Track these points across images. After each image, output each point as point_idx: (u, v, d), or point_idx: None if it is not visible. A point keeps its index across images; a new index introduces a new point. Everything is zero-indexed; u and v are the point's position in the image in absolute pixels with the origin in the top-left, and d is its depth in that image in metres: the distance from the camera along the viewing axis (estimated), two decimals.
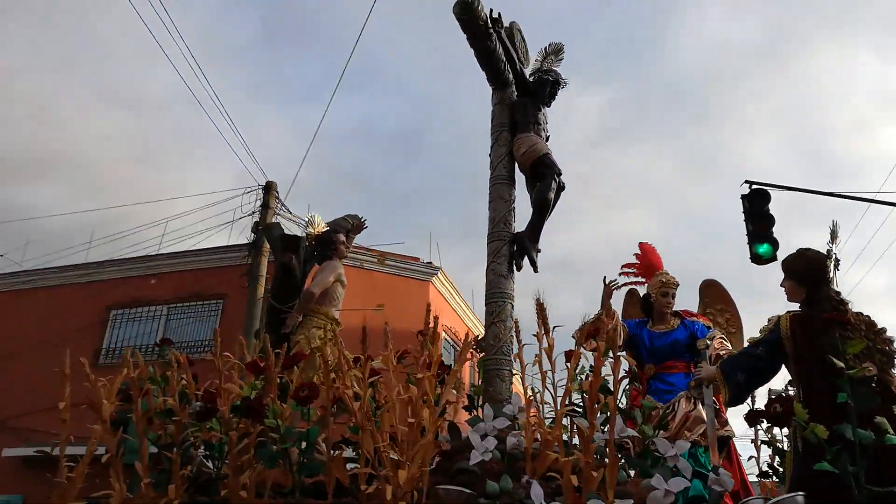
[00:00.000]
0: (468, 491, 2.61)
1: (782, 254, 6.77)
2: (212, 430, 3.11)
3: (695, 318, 3.99)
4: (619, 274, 4.28)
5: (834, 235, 2.95)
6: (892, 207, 8.97)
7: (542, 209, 4.03)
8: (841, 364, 2.48)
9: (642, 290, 4.33)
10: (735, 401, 2.92)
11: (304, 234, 4.44)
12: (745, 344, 3.92)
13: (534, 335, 3.45)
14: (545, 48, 4.47)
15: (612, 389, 2.89)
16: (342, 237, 4.59)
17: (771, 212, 7.70)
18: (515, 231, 4.01)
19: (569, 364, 3.37)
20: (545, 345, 3.31)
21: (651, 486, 2.50)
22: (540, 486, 2.58)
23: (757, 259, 7.44)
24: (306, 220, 4.55)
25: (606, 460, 2.67)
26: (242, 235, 10.47)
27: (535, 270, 3.99)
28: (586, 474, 2.65)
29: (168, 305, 12.97)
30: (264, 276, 9.71)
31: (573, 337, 3.85)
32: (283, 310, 4.30)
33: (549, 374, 3.23)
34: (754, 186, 7.89)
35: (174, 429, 3.08)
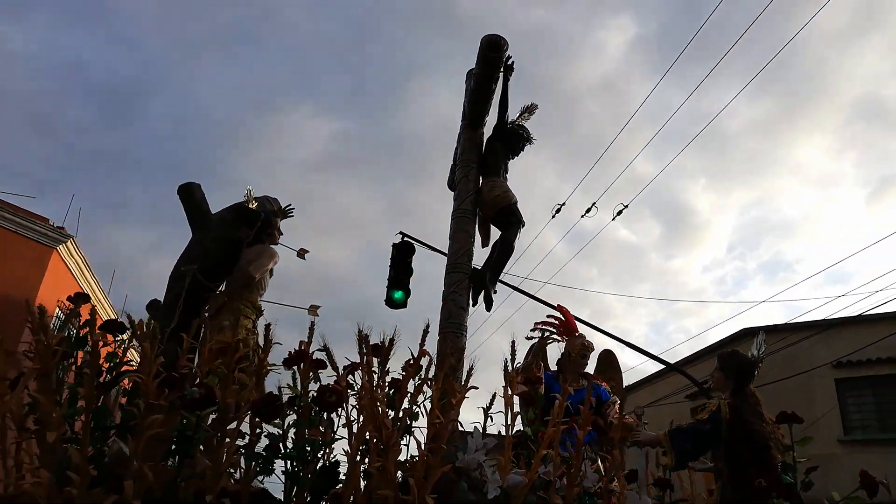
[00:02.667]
0: None
1: (412, 303, 7.72)
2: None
3: (598, 382, 4.49)
4: (534, 328, 4.65)
5: (760, 344, 3.68)
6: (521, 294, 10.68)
7: (506, 253, 4.23)
8: (780, 457, 3.12)
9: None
10: (680, 465, 3.42)
11: (256, 211, 3.96)
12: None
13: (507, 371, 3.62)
14: (524, 106, 4.74)
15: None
16: (279, 222, 4.23)
17: (412, 265, 7.93)
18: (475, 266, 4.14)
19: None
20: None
21: None
22: None
23: (391, 302, 7.55)
24: (245, 194, 4.07)
25: None
26: None
27: (489, 309, 4.15)
28: None
29: None
30: None
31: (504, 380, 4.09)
32: (210, 288, 3.77)
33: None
34: (405, 239, 8.24)
35: (143, 410, 2.56)
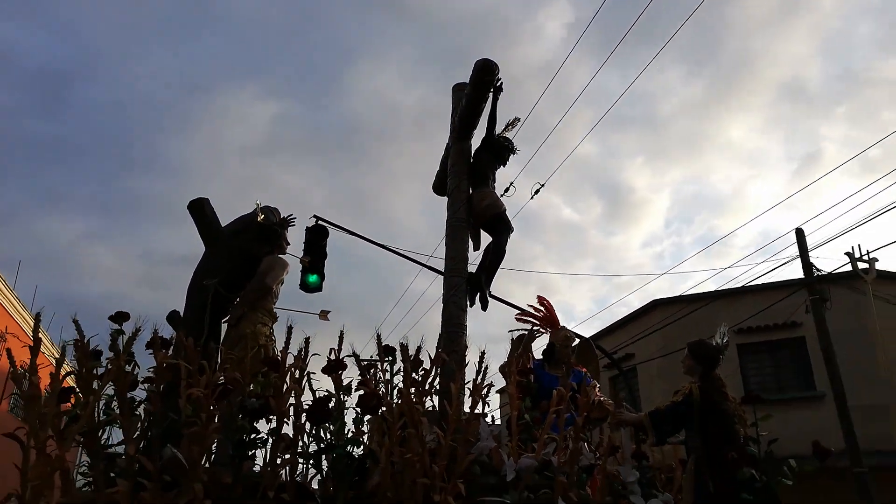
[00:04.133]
0: (508, 502, 3.10)
1: (328, 287, 7.91)
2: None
3: (579, 368, 4.99)
4: (518, 318, 5.10)
5: (724, 335, 4.23)
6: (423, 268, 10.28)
7: (498, 257, 4.64)
8: (742, 431, 3.67)
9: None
10: (660, 442, 3.97)
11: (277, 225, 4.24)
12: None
13: (503, 370, 4.08)
14: (509, 120, 5.13)
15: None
16: (286, 233, 4.51)
17: (326, 248, 7.69)
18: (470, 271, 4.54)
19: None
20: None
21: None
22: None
23: (305, 287, 7.43)
24: (256, 207, 4.32)
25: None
26: None
27: (485, 309, 4.56)
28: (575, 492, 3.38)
29: None
30: None
31: (500, 372, 4.52)
32: (229, 299, 4.06)
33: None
34: (319, 222, 7.97)
35: (202, 425, 2.87)
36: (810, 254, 11.28)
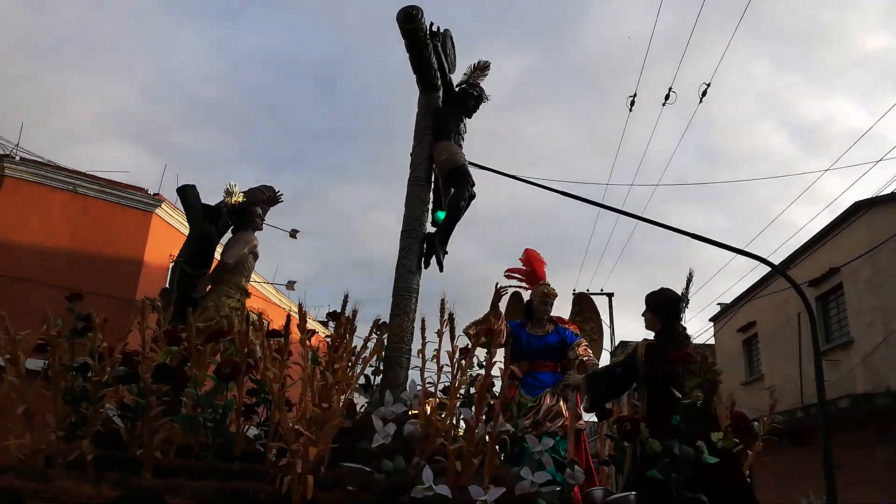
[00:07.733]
0: (368, 469, 3.03)
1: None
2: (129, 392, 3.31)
3: (566, 326, 4.60)
4: (505, 276, 4.81)
5: (689, 281, 3.61)
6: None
7: (453, 215, 4.43)
8: (678, 395, 3.11)
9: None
10: (593, 406, 3.56)
11: (224, 205, 4.56)
12: (604, 349, 4.62)
13: (436, 332, 3.93)
14: (474, 63, 4.81)
15: (498, 390, 3.44)
16: (259, 210, 4.75)
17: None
18: (427, 231, 4.40)
19: (464, 360, 3.89)
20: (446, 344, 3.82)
21: (520, 476, 3.03)
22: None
23: (434, 223, 7.72)
24: (225, 188, 4.65)
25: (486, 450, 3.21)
26: None
27: (441, 270, 4.41)
28: (468, 461, 3.16)
29: None
30: None
31: (464, 332, 4.34)
32: (195, 275, 4.44)
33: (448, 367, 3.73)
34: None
35: (91, 387, 3.23)
36: None
